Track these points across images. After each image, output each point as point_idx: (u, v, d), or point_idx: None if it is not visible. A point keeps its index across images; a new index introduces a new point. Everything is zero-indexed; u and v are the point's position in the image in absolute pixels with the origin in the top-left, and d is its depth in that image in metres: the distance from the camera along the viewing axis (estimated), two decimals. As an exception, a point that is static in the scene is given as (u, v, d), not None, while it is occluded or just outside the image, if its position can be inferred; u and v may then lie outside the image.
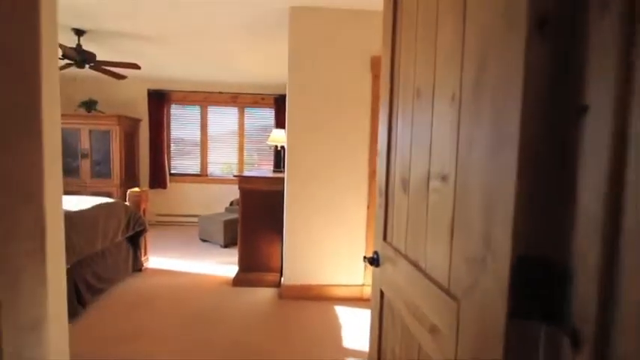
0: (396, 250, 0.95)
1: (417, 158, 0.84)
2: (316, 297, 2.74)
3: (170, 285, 3.01)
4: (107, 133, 4.94)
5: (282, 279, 2.83)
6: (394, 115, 1.02)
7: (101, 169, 5.02)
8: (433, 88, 0.75)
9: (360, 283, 2.78)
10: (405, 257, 0.88)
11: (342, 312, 2.57)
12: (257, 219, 3.02)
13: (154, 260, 3.60)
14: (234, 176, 2.97)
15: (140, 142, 5.46)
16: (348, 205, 2.73)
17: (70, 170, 5.03)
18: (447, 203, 0.66)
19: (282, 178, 2.86)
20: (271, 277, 3.02)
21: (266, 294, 2.85)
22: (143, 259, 3.36)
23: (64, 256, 1.00)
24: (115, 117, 4.89)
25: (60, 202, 1.03)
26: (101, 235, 2.66)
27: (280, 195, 2.87)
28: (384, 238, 1.06)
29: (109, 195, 4.92)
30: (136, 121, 5.32)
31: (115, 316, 2.41)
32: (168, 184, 5.47)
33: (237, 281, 3.01)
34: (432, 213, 0.74)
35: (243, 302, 2.70)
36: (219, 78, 5.09)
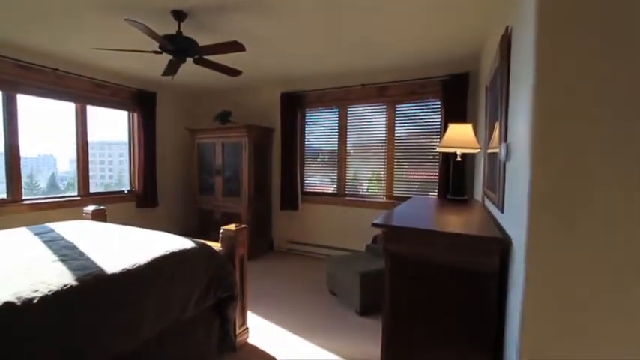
0: None
1: None
2: None
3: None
4: (237, 145, 4.33)
5: None
6: None
7: (231, 187, 4.45)
8: None
9: None
10: None
11: None
12: (423, 318, 1.34)
13: (258, 323, 2.44)
14: (373, 224, 1.40)
15: (273, 156, 4.69)
16: None
17: (206, 188, 4.72)
18: None
19: (495, 241, 1.08)
20: None
21: None
22: (239, 332, 2.23)
23: None
24: (245, 127, 4.21)
25: None
26: (154, 315, 1.59)
27: (487, 277, 1.10)
28: None
29: (237, 218, 4.29)
30: (268, 132, 4.57)
31: None
32: (300, 204, 4.46)
33: None
34: None
35: None
36: (361, 66, 3.70)
